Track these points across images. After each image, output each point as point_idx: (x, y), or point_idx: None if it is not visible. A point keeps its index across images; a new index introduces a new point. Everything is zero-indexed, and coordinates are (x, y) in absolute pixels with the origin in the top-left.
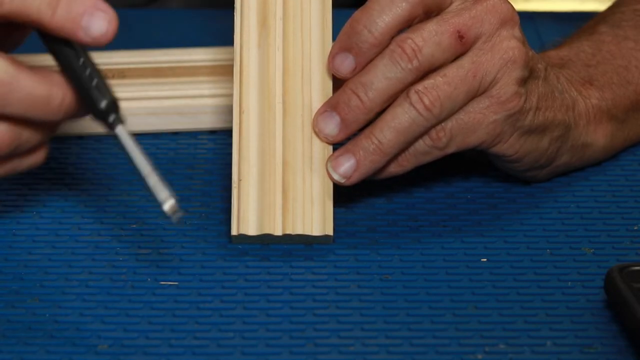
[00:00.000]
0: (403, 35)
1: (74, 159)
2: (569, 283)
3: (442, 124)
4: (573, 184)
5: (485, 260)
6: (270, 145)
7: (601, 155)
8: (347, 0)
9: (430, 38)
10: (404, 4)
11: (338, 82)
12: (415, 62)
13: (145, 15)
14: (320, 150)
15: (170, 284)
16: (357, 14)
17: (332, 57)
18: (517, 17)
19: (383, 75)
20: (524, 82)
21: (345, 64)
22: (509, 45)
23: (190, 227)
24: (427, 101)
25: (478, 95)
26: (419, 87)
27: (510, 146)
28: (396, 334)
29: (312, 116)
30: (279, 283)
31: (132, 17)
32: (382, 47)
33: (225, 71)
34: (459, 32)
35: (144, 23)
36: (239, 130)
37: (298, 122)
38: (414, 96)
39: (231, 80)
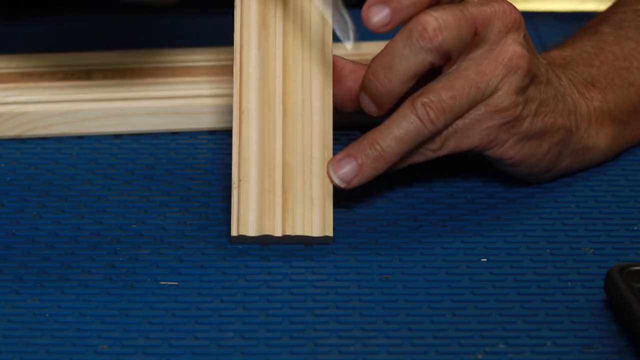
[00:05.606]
0: (426, 13)
1: (72, 159)
2: (569, 283)
3: None
4: (573, 184)
5: (485, 260)
6: (270, 146)
7: (603, 157)
8: (351, 1)
9: (454, 22)
10: None
11: (339, 82)
12: (435, 42)
13: (145, 15)
14: (320, 151)
15: (170, 284)
16: None
17: (368, 6)
18: (524, 25)
19: (402, 56)
20: (524, 90)
21: (380, 16)
22: (514, 52)
23: (190, 227)
24: (432, 115)
25: (478, 102)
26: (425, 99)
27: (505, 151)
28: (396, 334)
29: (312, 116)
30: (279, 283)
31: (132, 17)
32: (422, 7)
33: (225, 71)
34: (475, 26)
35: (144, 23)
36: (239, 130)
37: (298, 123)
38: (420, 109)
39: (231, 80)
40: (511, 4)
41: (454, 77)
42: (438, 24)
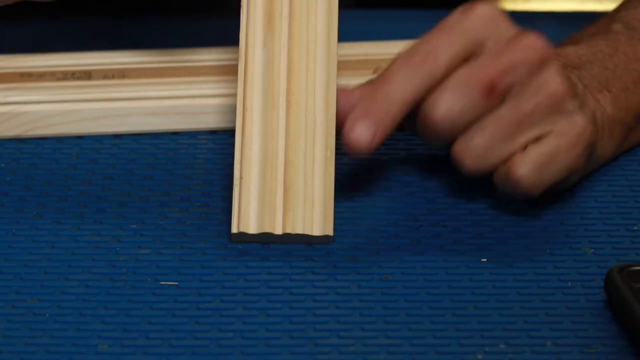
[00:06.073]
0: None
1: (73, 159)
2: (569, 283)
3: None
4: None
5: (485, 260)
6: (272, 144)
7: (605, 163)
8: (352, 1)
9: (459, 96)
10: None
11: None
12: (446, 127)
13: (146, 15)
14: (323, 150)
15: (170, 284)
16: (376, 84)
17: (351, 128)
18: (552, 51)
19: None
20: (581, 109)
21: (366, 134)
22: (554, 83)
23: (190, 227)
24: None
25: (544, 136)
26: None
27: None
28: (396, 334)
29: (316, 116)
30: (279, 283)
31: (133, 17)
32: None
33: (226, 71)
34: (490, 83)
35: (144, 23)
36: (242, 128)
37: (301, 122)
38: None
39: (232, 81)
40: (534, 34)
41: (499, 113)
42: (446, 110)
